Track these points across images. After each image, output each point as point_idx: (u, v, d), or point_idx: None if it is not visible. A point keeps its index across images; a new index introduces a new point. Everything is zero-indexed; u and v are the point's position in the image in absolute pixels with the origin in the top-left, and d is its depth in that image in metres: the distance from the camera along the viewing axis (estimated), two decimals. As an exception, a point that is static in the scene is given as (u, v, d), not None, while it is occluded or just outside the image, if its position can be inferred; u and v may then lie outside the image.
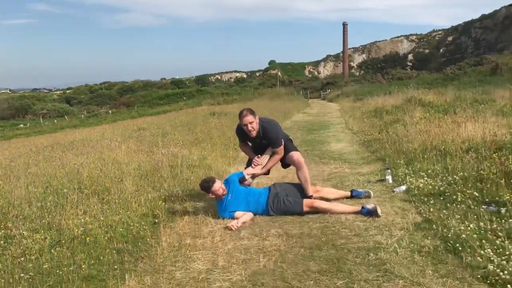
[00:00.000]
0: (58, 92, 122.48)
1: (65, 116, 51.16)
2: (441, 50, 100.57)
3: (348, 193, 5.27)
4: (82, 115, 50.82)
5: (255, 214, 4.83)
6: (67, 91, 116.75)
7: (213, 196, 4.90)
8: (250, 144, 5.36)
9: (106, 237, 4.19)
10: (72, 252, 3.85)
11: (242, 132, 5.19)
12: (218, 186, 4.76)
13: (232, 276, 3.33)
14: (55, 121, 44.98)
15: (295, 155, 5.14)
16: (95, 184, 6.06)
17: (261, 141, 5.13)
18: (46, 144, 15.48)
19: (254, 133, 5.00)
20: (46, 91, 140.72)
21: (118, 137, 13.40)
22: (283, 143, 5.14)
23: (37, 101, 65.31)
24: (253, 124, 4.95)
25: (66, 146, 12.78)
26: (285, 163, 5.35)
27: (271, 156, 5.20)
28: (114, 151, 9.11)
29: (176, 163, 7.27)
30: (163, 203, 5.33)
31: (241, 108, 5.33)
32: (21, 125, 43.21)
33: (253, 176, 5.24)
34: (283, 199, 4.82)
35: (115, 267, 3.60)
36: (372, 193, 5.25)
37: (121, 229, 4.40)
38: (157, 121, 19.88)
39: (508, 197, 4.12)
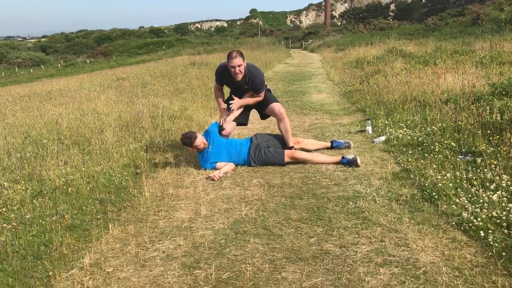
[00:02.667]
0: (32, 41, 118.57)
1: (41, 65, 49.78)
2: (423, 0, 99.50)
3: (329, 144, 5.32)
4: (59, 64, 49.41)
5: (236, 165, 4.87)
6: (42, 40, 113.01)
7: (195, 150, 4.92)
8: (229, 88, 5.22)
9: (88, 188, 4.20)
10: (54, 203, 3.86)
11: (223, 74, 5.05)
12: (200, 140, 4.75)
13: (215, 225, 3.39)
14: (31, 70, 43.76)
15: (276, 106, 5.11)
16: (75, 135, 6.01)
17: (243, 87, 5.03)
18: (23, 94, 15.14)
19: (240, 77, 4.88)
20: (20, 39, 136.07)
21: (97, 87, 13.17)
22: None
23: (11, 50, 63.17)
24: (241, 67, 4.82)
25: (43, 96, 12.52)
26: (264, 114, 5.32)
27: (252, 96, 5.12)
28: (93, 102, 8.98)
29: (156, 113, 7.21)
30: (145, 153, 5.33)
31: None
32: (-4, 74, 41.96)
33: (230, 126, 5.15)
34: (265, 150, 4.85)
35: (98, 216, 3.63)
36: (352, 144, 5.31)
37: (103, 180, 4.40)
38: (136, 71, 19.49)
39: (484, 147, 4.22)
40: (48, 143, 5.53)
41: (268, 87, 5.34)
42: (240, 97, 5.11)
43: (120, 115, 7.24)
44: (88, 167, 4.74)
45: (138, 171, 4.77)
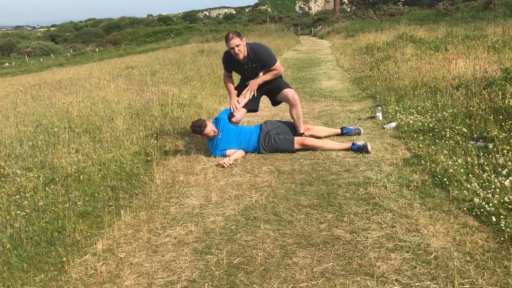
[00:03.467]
0: (42, 30, 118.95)
1: (51, 54, 49.99)
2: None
3: (339, 131, 5.30)
4: (68, 53, 49.59)
5: (246, 152, 4.88)
6: (51, 29, 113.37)
7: (205, 138, 4.93)
8: (239, 74, 5.15)
9: (100, 175, 4.23)
10: (67, 190, 3.90)
11: (229, 59, 4.99)
12: (210, 128, 4.75)
13: (225, 211, 3.41)
14: (41, 59, 43.93)
15: (290, 92, 5.05)
16: (86, 123, 6.05)
17: (251, 66, 4.92)
18: (34, 83, 15.24)
19: (241, 56, 4.79)
20: (29, 28, 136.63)
21: (106, 75, 13.23)
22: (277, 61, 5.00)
23: (21, 39, 63.45)
24: (239, 47, 4.74)
25: (54, 85, 12.61)
26: (277, 100, 5.26)
27: (269, 71, 5.00)
28: (103, 90, 9.02)
29: (166, 101, 7.23)
30: (155, 141, 5.36)
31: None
32: (6, 64, 42.19)
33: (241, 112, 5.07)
34: (274, 137, 4.84)
35: (110, 203, 3.66)
36: (362, 130, 5.28)
37: (114, 167, 4.44)
38: (145, 60, 19.53)
39: (496, 132, 4.18)
40: (59, 132, 5.58)
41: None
42: (252, 77, 5.02)
43: (130, 103, 7.27)
44: (99, 154, 4.78)
45: (149, 158, 4.80)
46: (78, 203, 3.58)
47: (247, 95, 5.02)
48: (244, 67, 4.97)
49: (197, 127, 4.75)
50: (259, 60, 4.90)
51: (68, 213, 3.42)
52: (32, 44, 57.97)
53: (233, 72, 5.21)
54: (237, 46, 4.72)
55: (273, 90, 5.15)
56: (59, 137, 5.34)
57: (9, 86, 15.46)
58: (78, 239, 3.08)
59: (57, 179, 4.13)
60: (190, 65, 13.47)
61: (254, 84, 5.01)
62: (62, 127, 5.87)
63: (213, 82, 9.71)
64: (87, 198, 3.74)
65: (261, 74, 5.03)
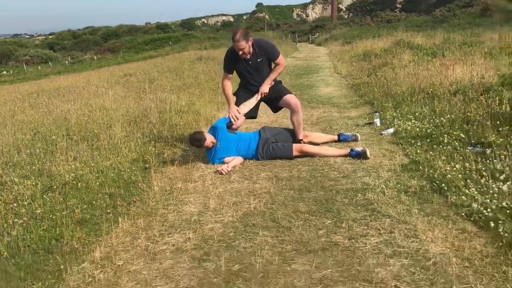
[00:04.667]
0: (40, 38, 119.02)
1: (49, 62, 49.95)
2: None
3: (336, 137, 5.30)
4: (66, 61, 49.55)
5: (244, 159, 4.87)
6: (49, 37, 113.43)
7: (203, 149, 4.88)
8: (241, 72, 4.98)
9: (98, 183, 4.23)
10: (64, 198, 3.89)
11: (232, 56, 4.87)
12: (209, 140, 4.68)
13: (224, 218, 3.41)
14: (39, 67, 43.91)
15: (292, 98, 5.00)
16: (84, 130, 6.06)
17: (256, 60, 4.84)
18: (31, 91, 15.24)
19: (248, 57, 4.76)
20: (27, 36, 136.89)
21: (104, 83, 13.24)
22: (281, 54, 4.95)
23: (19, 47, 63.46)
24: (245, 49, 4.68)
25: (51, 93, 12.62)
26: (277, 106, 5.21)
27: (273, 69, 4.97)
28: (101, 98, 9.03)
29: (164, 108, 7.24)
30: (153, 148, 5.35)
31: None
32: (4, 72, 42.18)
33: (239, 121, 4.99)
34: (273, 145, 4.82)
35: (108, 211, 3.65)
36: (359, 136, 5.29)
37: (112, 175, 4.43)
38: (144, 67, 19.55)
39: (494, 138, 4.18)
40: (57, 139, 5.57)
41: (278, 79, 5.24)
42: (256, 75, 4.95)
43: (128, 110, 7.28)
44: (97, 162, 4.77)
45: (147, 165, 4.79)
46: (76, 210, 3.57)
47: (249, 102, 4.97)
48: (248, 63, 4.87)
49: (196, 141, 4.68)
50: (264, 51, 4.83)
51: (66, 221, 3.41)
52: (30, 52, 57.96)
53: (234, 74, 5.07)
54: (242, 49, 4.68)
55: (274, 96, 5.09)
56: (57, 145, 5.33)
57: (7, 94, 15.46)
58: (76, 246, 3.07)
59: (55, 187, 4.11)
60: (188, 72, 13.50)
61: (265, 88, 4.96)
62: (60, 134, 5.87)
63: (212, 89, 9.72)
64: (85, 206, 3.73)
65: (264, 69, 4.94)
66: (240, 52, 4.70)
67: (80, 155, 4.99)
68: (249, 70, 4.94)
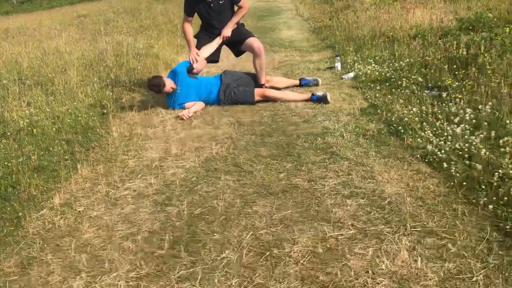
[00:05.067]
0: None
1: (-5, 2, 47.00)
2: None
3: (297, 82, 5.30)
4: (15, 1, 46.78)
5: (206, 104, 4.81)
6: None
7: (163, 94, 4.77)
8: (202, 14, 4.83)
9: (54, 129, 4.12)
10: (20, 144, 3.79)
11: None
12: (168, 86, 4.57)
13: (186, 163, 3.40)
14: (-16, 7, 41.27)
15: (255, 42, 4.91)
16: (37, 75, 5.82)
17: (218, 2, 4.68)
18: (-23, 32, 14.37)
19: None
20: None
21: (57, 25, 12.63)
22: None
23: (-39, -15, 59.16)
24: None
25: (0, 35, 11.94)
26: (240, 50, 5.11)
27: (236, 12, 4.84)
28: (55, 40, 8.64)
29: (121, 52, 7.00)
30: (111, 93, 5.21)
31: None
32: None
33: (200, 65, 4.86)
34: (234, 90, 4.77)
35: (66, 157, 3.59)
36: (320, 81, 5.30)
37: (69, 120, 4.32)
38: (98, 7, 18.67)
39: (450, 81, 4.28)
40: (8, 84, 5.34)
41: (240, 21, 5.10)
42: (219, 17, 4.80)
43: (83, 53, 7.01)
44: (52, 107, 4.63)
45: (105, 111, 4.68)
46: (33, 157, 3.49)
47: (210, 46, 4.84)
48: (210, 5, 4.72)
49: (155, 86, 4.56)
50: None
51: (23, 168, 3.33)
52: (-26, -10, 54.18)
53: (195, 16, 4.92)
54: None
55: (237, 40, 4.97)
56: (8, 90, 5.11)
57: (-49, 36, 14.53)
58: (34, 194, 3.02)
59: (9, 133, 3.98)
60: (145, 13, 13.02)
61: (227, 31, 4.82)
62: (12, 79, 5.62)
63: (170, 31, 9.43)
64: (42, 153, 3.65)
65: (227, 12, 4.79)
66: None
67: (34, 100, 4.82)
68: (210, 12, 4.79)
